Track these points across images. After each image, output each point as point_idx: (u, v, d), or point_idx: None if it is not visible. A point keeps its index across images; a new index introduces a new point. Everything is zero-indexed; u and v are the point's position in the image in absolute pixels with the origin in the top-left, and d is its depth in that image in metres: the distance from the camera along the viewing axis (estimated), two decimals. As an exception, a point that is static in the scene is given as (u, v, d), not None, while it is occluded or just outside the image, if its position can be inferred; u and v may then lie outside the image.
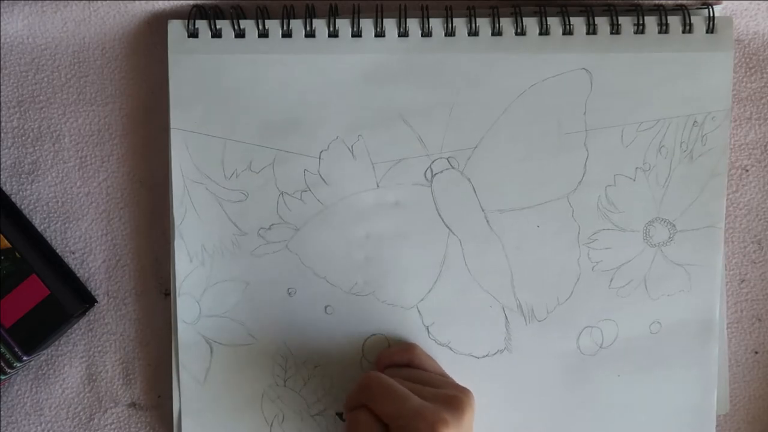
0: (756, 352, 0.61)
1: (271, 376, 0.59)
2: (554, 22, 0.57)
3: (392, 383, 0.52)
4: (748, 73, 0.61)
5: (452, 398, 0.51)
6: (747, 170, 0.61)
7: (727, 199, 0.60)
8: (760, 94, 0.61)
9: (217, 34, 0.58)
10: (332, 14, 0.58)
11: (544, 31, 0.57)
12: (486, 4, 0.59)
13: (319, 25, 0.58)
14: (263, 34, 0.58)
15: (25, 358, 0.57)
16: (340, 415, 0.59)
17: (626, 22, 0.57)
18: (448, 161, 0.58)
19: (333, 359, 0.59)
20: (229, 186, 0.58)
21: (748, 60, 0.61)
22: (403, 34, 0.58)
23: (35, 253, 0.58)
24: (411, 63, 0.58)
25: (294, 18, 0.58)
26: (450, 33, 0.58)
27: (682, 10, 0.58)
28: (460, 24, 0.57)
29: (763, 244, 0.61)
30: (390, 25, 0.58)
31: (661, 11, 0.57)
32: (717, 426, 0.60)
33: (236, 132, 0.58)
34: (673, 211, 0.58)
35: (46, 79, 0.60)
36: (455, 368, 0.58)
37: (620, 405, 0.59)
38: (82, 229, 0.60)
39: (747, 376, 0.61)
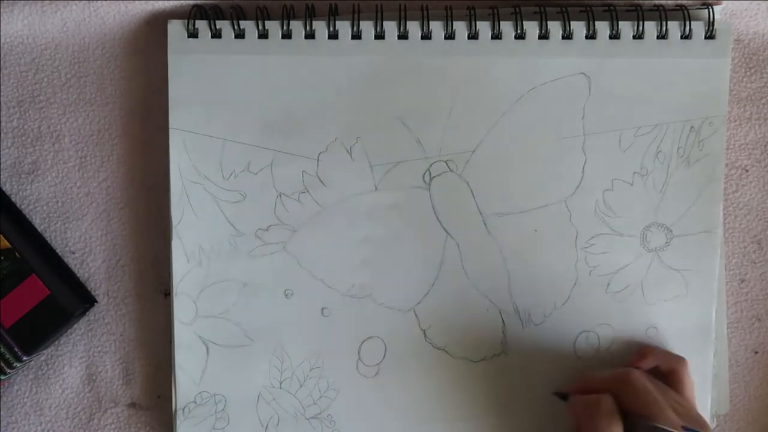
0: (756, 352, 0.61)
1: (267, 377, 0.59)
2: (554, 26, 0.57)
3: (651, 388, 0.52)
4: (747, 73, 0.61)
5: (704, 424, 0.51)
6: (747, 170, 0.61)
7: (726, 199, 0.61)
8: (759, 94, 0.61)
9: (217, 34, 0.58)
10: (332, 14, 0.58)
11: (544, 35, 0.57)
12: (486, 4, 0.58)
13: (319, 26, 0.57)
14: (263, 35, 0.58)
15: (25, 358, 0.57)
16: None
17: (626, 27, 0.57)
18: (447, 164, 0.58)
19: (329, 361, 0.59)
20: (227, 186, 0.59)
21: (747, 60, 0.60)
22: (403, 36, 0.58)
23: (35, 253, 0.58)
24: (410, 65, 0.58)
25: (294, 19, 0.58)
26: (450, 36, 0.58)
27: (682, 11, 0.57)
28: (460, 27, 0.57)
29: (763, 244, 0.61)
30: (390, 27, 0.57)
31: (661, 11, 0.57)
32: (717, 426, 0.61)
33: (235, 133, 0.58)
34: (670, 216, 0.58)
35: (46, 79, 0.60)
36: (452, 372, 0.59)
37: (615, 410, 0.59)
38: (82, 229, 0.60)
39: (747, 376, 0.62)
